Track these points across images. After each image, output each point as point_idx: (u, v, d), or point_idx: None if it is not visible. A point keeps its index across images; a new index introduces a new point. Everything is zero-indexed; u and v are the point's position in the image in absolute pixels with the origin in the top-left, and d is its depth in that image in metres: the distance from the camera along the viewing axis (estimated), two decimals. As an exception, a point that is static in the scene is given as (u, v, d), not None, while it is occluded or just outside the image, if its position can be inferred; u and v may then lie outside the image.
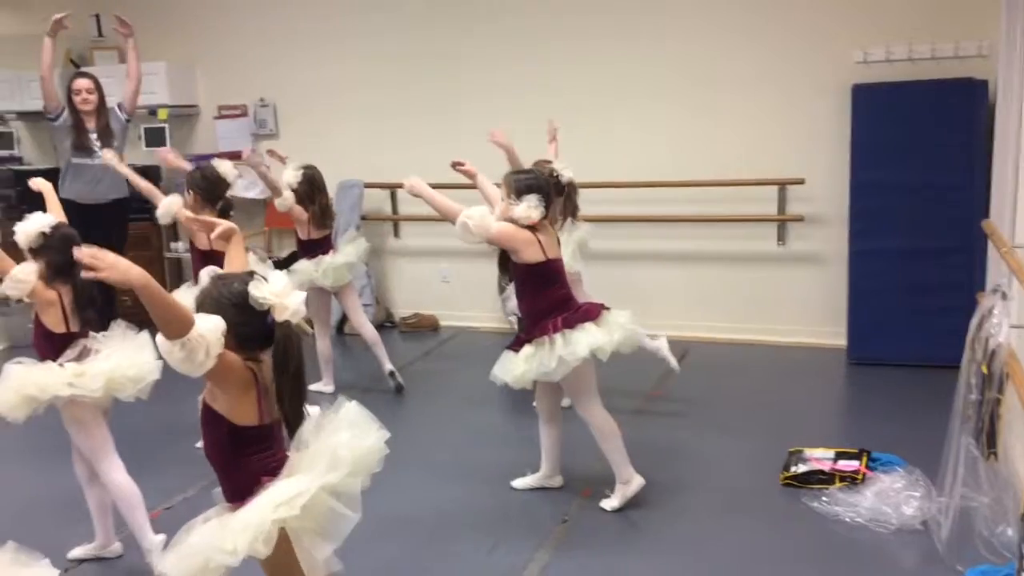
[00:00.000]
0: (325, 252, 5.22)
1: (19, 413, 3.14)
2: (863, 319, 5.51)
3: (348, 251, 5.30)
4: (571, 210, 4.61)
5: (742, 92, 5.90)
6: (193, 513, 2.31)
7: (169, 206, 4.52)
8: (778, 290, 5.98)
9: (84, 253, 1.92)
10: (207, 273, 2.34)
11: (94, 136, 6.00)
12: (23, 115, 7.52)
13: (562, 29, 6.24)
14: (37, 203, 6.42)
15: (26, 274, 3.14)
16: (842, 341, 5.64)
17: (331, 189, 6.77)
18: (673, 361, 4.65)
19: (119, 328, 3.32)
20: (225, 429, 2.23)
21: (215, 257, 4.34)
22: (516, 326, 6.40)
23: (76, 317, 3.20)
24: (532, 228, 3.55)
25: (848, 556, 3.32)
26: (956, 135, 5.21)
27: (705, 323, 6.09)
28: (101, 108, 6.02)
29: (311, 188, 5.14)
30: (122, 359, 3.20)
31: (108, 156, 5.37)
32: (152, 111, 7.18)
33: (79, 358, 3.17)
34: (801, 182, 5.76)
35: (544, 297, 3.59)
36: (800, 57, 5.74)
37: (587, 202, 6.33)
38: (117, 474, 3.27)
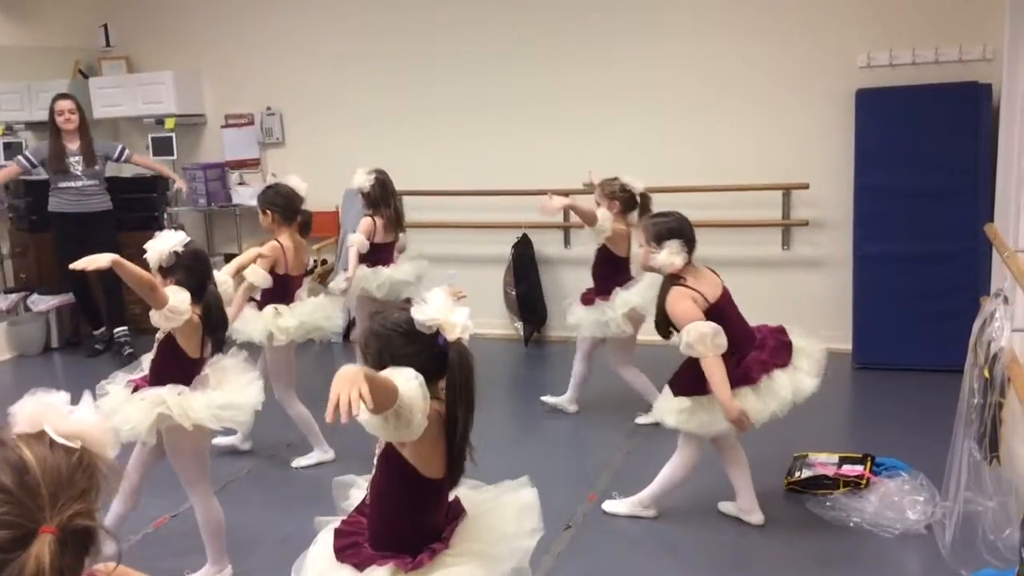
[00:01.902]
0: (387, 262, 5.15)
1: (150, 437, 3.05)
2: (868, 323, 5.51)
3: (407, 269, 5.22)
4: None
5: (746, 97, 5.91)
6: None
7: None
8: (783, 294, 5.96)
9: None
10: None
11: (75, 159, 6.22)
12: (32, 125, 7.58)
13: (571, 33, 6.25)
14: (44, 212, 6.53)
15: (182, 304, 2.97)
16: (847, 345, 5.63)
17: (338, 197, 6.86)
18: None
19: (235, 360, 3.29)
20: (409, 479, 2.04)
21: (290, 281, 4.37)
22: (522, 332, 6.44)
23: (209, 340, 3.11)
24: (682, 278, 3.36)
25: (852, 561, 3.33)
26: (960, 139, 5.21)
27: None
28: (83, 129, 6.26)
29: (384, 191, 5.11)
30: (231, 394, 3.17)
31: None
32: (159, 120, 7.23)
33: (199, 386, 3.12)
34: (806, 187, 5.77)
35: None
36: (804, 62, 5.75)
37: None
38: (211, 498, 3.26)
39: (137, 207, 7.14)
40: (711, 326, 3.24)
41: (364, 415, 1.84)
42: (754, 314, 6.33)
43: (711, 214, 5.98)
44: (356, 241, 4.97)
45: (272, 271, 4.29)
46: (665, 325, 3.39)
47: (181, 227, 7.42)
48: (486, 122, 6.55)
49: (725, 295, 3.46)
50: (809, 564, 3.33)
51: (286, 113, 7.18)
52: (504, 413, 5.06)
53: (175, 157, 7.33)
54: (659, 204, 6.05)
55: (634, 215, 4.56)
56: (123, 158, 6.57)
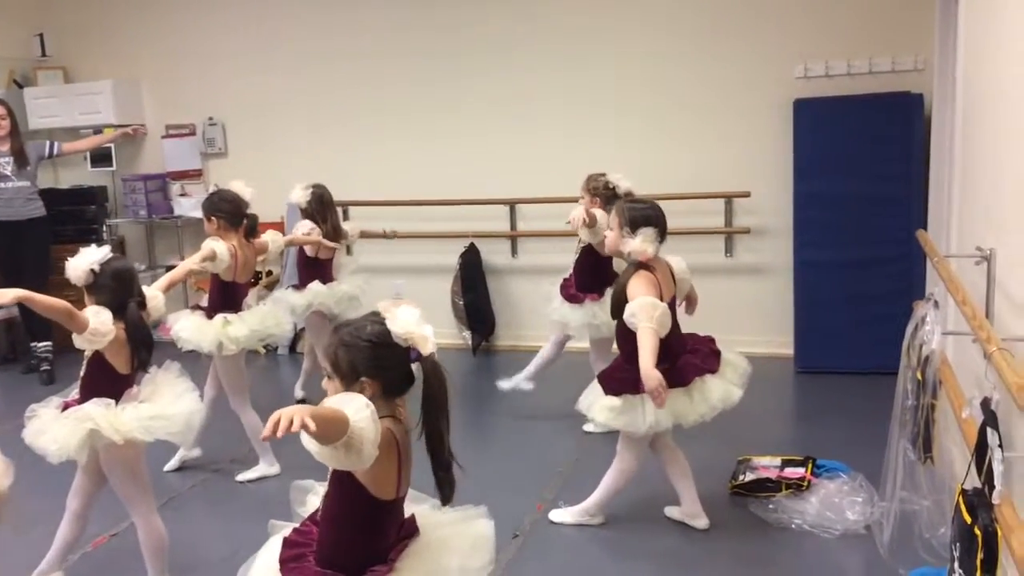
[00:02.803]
0: (326, 277, 5.16)
1: (81, 455, 2.97)
2: (809, 328, 5.62)
3: (355, 283, 5.27)
4: None
5: (688, 107, 6.00)
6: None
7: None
8: (726, 301, 6.04)
9: None
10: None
11: (4, 160, 6.17)
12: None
13: (516, 40, 6.29)
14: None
15: (103, 326, 2.89)
16: (789, 350, 5.74)
17: (282, 208, 6.79)
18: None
19: (168, 372, 3.23)
20: (362, 500, 2.01)
21: (236, 288, 4.31)
22: (470, 341, 6.44)
23: (134, 356, 3.03)
24: (650, 267, 3.35)
25: (794, 563, 3.38)
26: (894, 147, 5.35)
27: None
28: (14, 132, 6.21)
29: (321, 206, 5.10)
30: (191, 402, 3.15)
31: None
32: (98, 130, 7.09)
33: (130, 400, 3.05)
34: (747, 195, 5.87)
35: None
36: (743, 73, 5.85)
37: (539, 217, 6.42)
38: (153, 516, 3.18)
39: (75, 219, 7.00)
40: (661, 304, 3.24)
41: (313, 445, 1.83)
42: (699, 320, 6.42)
43: (655, 222, 6.06)
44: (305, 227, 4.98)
45: (218, 278, 4.26)
46: (620, 308, 3.33)
47: (119, 241, 7.31)
48: (433, 131, 6.55)
49: (673, 299, 3.48)
50: (753, 566, 3.38)
51: (228, 123, 7.10)
52: (453, 422, 5.03)
53: (115, 168, 7.21)
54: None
55: None
56: (56, 152, 6.50)
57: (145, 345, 3.05)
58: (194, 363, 3.42)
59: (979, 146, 3.23)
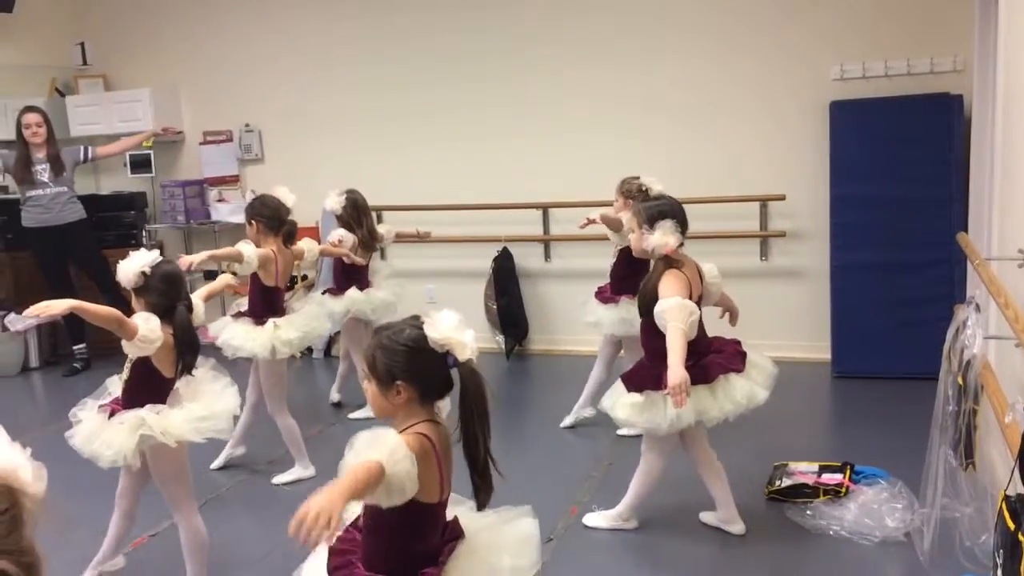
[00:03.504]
0: (363, 283, 5.20)
1: (134, 459, 3.01)
2: (846, 333, 5.55)
3: (390, 286, 5.33)
4: None
5: (723, 110, 5.96)
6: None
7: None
8: (762, 305, 5.99)
9: None
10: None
11: (41, 167, 6.28)
12: (7, 143, 7.53)
13: (549, 46, 6.29)
14: (20, 230, 6.51)
15: (152, 332, 2.93)
16: (826, 355, 5.67)
17: (317, 212, 6.85)
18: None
19: (204, 370, 3.25)
20: (404, 505, 1.99)
21: (277, 294, 4.37)
22: (503, 346, 6.44)
23: (179, 361, 3.06)
24: (678, 263, 3.34)
25: (832, 570, 3.34)
26: (933, 149, 5.27)
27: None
28: (50, 139, 6.32)
29: (356, 211, 5.14)
30: (204, 406, 3.14)
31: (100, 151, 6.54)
32: (137, 137, 7.21)
33: (176, 402, 3.09)
34: (782, 198, 5.82)
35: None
36: (779, 75, 5.81)
37: (572, 221, 6.41)
38: (195, 517, 3.21)
39: (115, 225, 7.12)
40: (692, 306, 3.22)
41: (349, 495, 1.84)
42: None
43: (690, 226, 6.03)
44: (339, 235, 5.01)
45: (260, 283, 4.32)
46: (649, 306, 3.30)
47: (158, 246, 7.41)
48: (466, 134, 6.58)
49: (700, 298, 3.45)
50: (790, 573, 3.35)
51: (265, 129, 7.18)
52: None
53: (153, 174, 7.32)
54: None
55: None
56: (90, 156, 6.61)
57: (191, 349, 3.08)
58: (231, 368, 3.45)
59: (1020, 147, 3.18)
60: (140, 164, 7.27)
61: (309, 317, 4.49)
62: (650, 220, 3.36)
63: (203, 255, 3.95)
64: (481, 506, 2.18)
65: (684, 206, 5.79)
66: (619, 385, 3.49)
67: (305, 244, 4.63)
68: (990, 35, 4.29)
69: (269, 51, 7.01)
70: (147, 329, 2.93)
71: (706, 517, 3.70)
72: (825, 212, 5.60)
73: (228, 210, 7.12)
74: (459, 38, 6.50)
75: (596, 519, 3.74)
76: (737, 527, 3.60)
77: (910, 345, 5.22)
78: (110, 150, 6.86)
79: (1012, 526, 1.95)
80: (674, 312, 3.17)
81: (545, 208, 6.44)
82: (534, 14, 6.30)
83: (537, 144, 6.39)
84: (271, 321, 4.29)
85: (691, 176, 6.00)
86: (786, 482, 3.88)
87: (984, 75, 4.57)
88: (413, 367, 2.06)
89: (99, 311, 2.90)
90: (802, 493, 3.80)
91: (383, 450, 1.89)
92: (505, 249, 6.52)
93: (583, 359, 5.06)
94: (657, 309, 3.23)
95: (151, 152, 7.21)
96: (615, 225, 4.49)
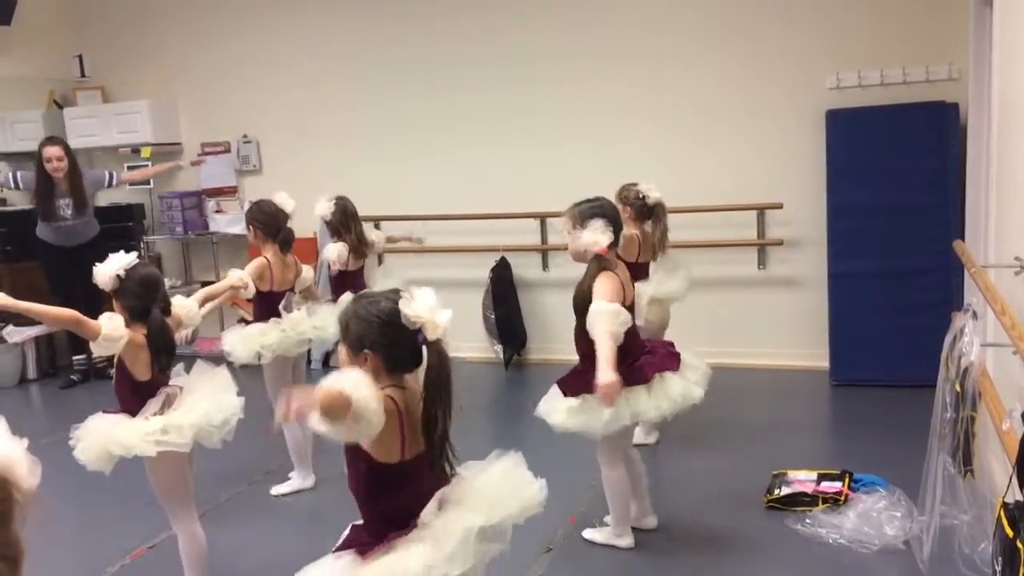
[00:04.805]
0: (360, 285, 5.12)
1: (104, 466, 3.02)
2: (844, 340, 5.55)
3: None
4: (663, 235, 4.47)
5: (720, 119, 5.98)
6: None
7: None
8: (760, 314, 6.03)
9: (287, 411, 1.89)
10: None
11: (64, 202, 6.20)
12: (6, 156, 7.55)
13: (547, 54, 6.30)
14: (21, 242, 6.49)
15: (116, 331, 2.94)
16: (824, 363, 5.67)
17: (316, 223, 6.85)
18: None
19: (201, 368, 3.24)
20: (365, 466, 2.10)
21: (275, 298, 4.38)
22: (501, 355, 6.44)
23: (155, 363, 3.05)
24: (612, 264, 3.33)
25: (832, 578, 3.34)
26: (929, 157, 5.29)
27: (688, 348, 6.10)
28: (72, 172, 6.20)
29: (345, 217, 5.11)
30: (210, 407, 3.09)
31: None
32: (135, 149, 7.23)
33: (163, 408, 3.04)
34: (780, 206, 5.83)
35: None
36: (775, 84, 5.83)
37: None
38: (194, 526, 3.20)
39: (113, 236, 7.10)
40: (624, 312, 3.24)
41: (324, 426, 1.92)
42: (731, 333, 6.43)
43: (687, 235, 6.02)
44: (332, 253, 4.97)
45: (257, 289, 4.32)
46: (582, 308, 3.29)
47: (156, 257, 7.42)
48: (464, 145, 6.59)
49: (631, 300, 3.45)
50: (789, 582, 3.34)
51: (263, 140, 7.20)
52: (486, 436, 5.04)
53: (151, 185, 7.32)
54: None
55: (649, 223, 4.52)
56: (114, 183, 6.55)
57: (166, 350, 3.07)
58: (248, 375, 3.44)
59: (1015, 155, 3.19)
60: (138, 176, 7.27)
61: (294, 321, 4.44)
62: (581, 219, 3.37)
63: (221, 286, 3.96)
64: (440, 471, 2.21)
65: (682, 215, 5.82)
66: (555, 390, 3.49)
67: (307, 273, 4.66)
68: (985, 44, 4.31)
69: (267, 62, 7.02)
70: (110, 328, 2.93)
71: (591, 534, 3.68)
72: (822, 220, 5.61)
73: (226, 221, 7.13)
74: (457, 49, 6.51)
75: (594, 534, 3.71)
76: (625, 540, 3.61)
77: (908, 352, 5.23)
78: (135, 176, 6.79)
79: (1011, 533, 1.95)
80: (604, 317, 3.18)
81: (543, 217, 6.44)
82: (533, 25, 6.32)
83: (534, 154, 6.40)
84: (257, 326, 4.31)
85: (689, 185, 6.01)
86: (785, 490, 3.88)
87: (979, 83, 4.59)
88: (383, 339, 2.11)
89: (51, 312, 2.93)
90: (801, 501, 3.80)
91: (348, 384, 1.95)
92: (503, 259, 6.52)
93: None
94: (588, 316, 3.24)
95: (149, 163, 7.21)
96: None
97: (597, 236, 3.31)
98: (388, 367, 2.13)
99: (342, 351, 2.19)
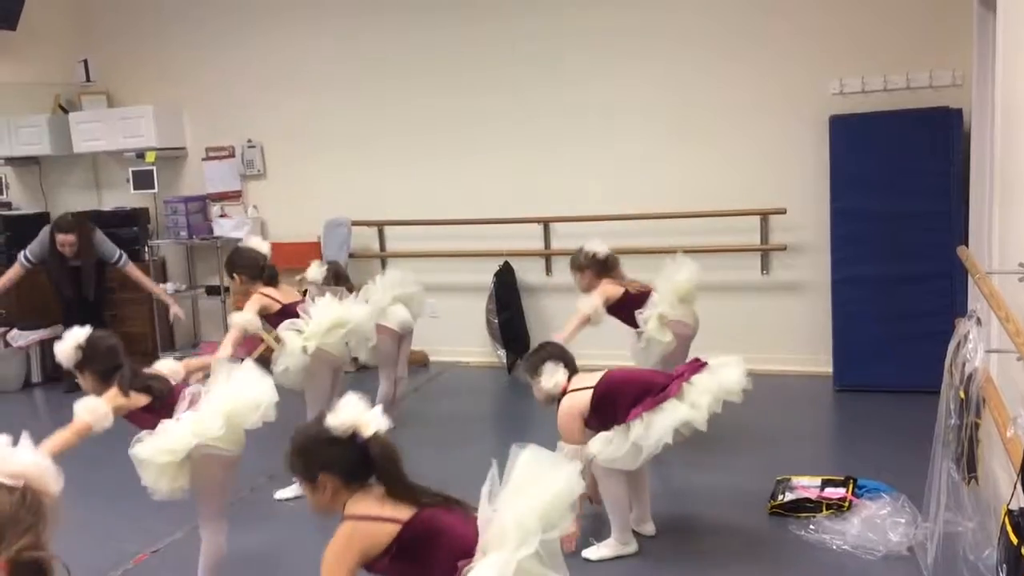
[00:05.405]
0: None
1: (173, 484, 3.00)
2: (848, 346, 5.55)
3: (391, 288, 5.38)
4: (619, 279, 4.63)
5: (723, 124, 5.98)
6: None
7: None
8: (763, 319, 6.02)
9: None
10: None
11: (73, 262, 6.28)
12: (11, 160, 7.58)
13: (549, 59, 6.32)
14: (25, 245, 6.49)
15: (96, 411, 2.93)
16: (827, 368, 5.67)
17: (319, 227, 6.88)
18: None
19: (221, 367, 3.26)
20: (387, 560, 2.16)
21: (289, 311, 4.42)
22: (504, 360, 6.44)
23: (144, 392, 3.06)
24: (570, 387, 3.55)
25: (836, 584, 3.33)
26: (933, 163, 5.28)
27: (691, 353, 6.10)
28: (82, 251, 6.25)
29: (337, 280, 5.14)
30: (233, 391, 3.09)
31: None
32: (139, 154, 7.24)
33: (190, 406, 3.05)
34: (783, 212, 5.83)
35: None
36: (779, 90, 5.83)
37: (572, 236, 6.43)
38: (221, 536, 3.20)
39: (117, 241, 7.11)
40: (584, 449, 3.44)
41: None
42: (734, 338, 6.42)
43: (690, 240, 6.04)
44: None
45: (267, 315, 4.39)
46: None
47: (160, 262, 7.42)
48: (467, 149, 6.60)
49: (608, 377, 3.57)
50: (793, 588, 3.34)
51: (267, 145, 7.21)
52: (489, 442, 5.04)
53: (156, 190, 7.33)
54: (639, 232, 6.12)
55: (616, 271, 4.62)
56: (120, 264, 6.40)
57: (151, 383, 3.08)
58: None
59: (1019, 161, 3.19)
60: (143, 180, 7.28)
61: (324, 307, 4.44)
62: (534, 372, 3.61)
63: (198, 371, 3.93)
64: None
65: (686, 220, 5.82)
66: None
67: (312, 271, 4.81)
68: (988, 49, 4.31)
69: (272, 67, 7.04)
70: (95, 419, 2.91)
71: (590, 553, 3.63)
72: (826, 226, 5.61)
73: (231, 226, 7.14)
74: (460, 54, 6.53)
75: (599, 551, 3.62)
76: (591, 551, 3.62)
77: (911, 358, 5.21)
78: (139, 277, 6.44)
79: (1015, 540, 1.95)
80: (574, 456, 3.28)
81: (546, 222, 6.45)
82: (535, 30, 6.33)
83: (538, 159, 6.41)
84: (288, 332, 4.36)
85: (692, 190, 6.03)
86: (788, 496, 3.87)
87: (983, 89, 4.58)
88: (327, 459, 2.18)
89: (61, 446, 2.81)
90: (805, 508, 3.80)
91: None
92: (506, 263, 6.53)
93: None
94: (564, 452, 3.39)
95: (154, 168, 7.23)
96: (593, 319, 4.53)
97: (555, 378, 3.55)
98: (345, 481, 2.19)
99: (304, 491, 2.28)
